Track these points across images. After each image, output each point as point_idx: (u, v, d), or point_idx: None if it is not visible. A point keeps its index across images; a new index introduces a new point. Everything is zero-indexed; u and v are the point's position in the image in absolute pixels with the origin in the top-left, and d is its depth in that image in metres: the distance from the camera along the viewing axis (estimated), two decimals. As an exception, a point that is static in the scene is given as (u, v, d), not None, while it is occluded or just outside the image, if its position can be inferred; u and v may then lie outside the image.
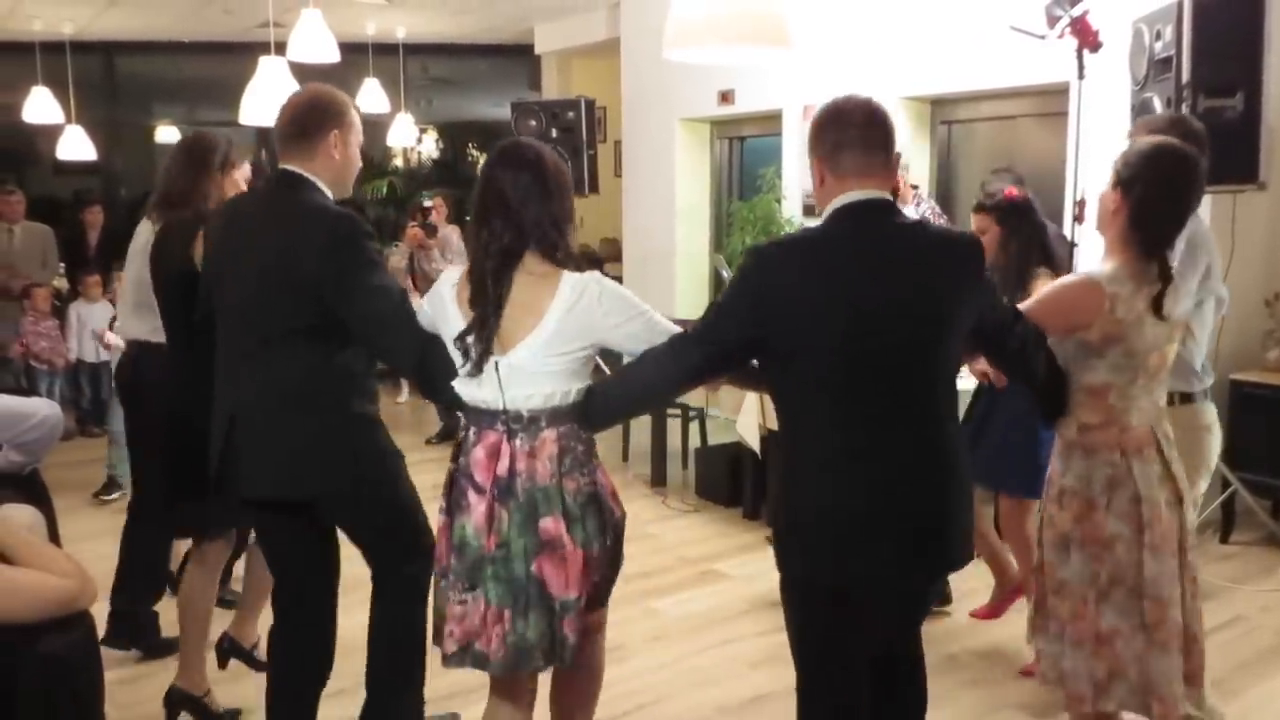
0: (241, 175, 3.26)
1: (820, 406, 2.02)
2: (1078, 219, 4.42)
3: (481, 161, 14.47)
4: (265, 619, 2.85)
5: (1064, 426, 2.34)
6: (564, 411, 2.15)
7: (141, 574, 3.67)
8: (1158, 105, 4.10)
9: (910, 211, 5.15)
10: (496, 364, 2.12)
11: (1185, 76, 3.97)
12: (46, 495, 3.25)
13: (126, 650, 3.59)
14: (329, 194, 2.50)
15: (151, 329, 3.28)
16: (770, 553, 2.19)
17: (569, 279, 2.13)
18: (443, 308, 2.20)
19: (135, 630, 3.61)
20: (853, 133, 2.04)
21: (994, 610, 3.87)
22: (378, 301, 2.33)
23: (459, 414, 2.30)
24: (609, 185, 7.87)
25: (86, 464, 6.37)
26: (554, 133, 7.10)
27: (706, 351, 2.08)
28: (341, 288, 2.33)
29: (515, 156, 2.17)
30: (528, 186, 2.13)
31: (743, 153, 7.88)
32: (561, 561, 2.10)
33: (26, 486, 3.14)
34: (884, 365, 1.99)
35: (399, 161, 12.24)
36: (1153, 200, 2.23)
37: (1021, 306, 2.29)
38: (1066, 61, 4.31)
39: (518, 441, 2.12)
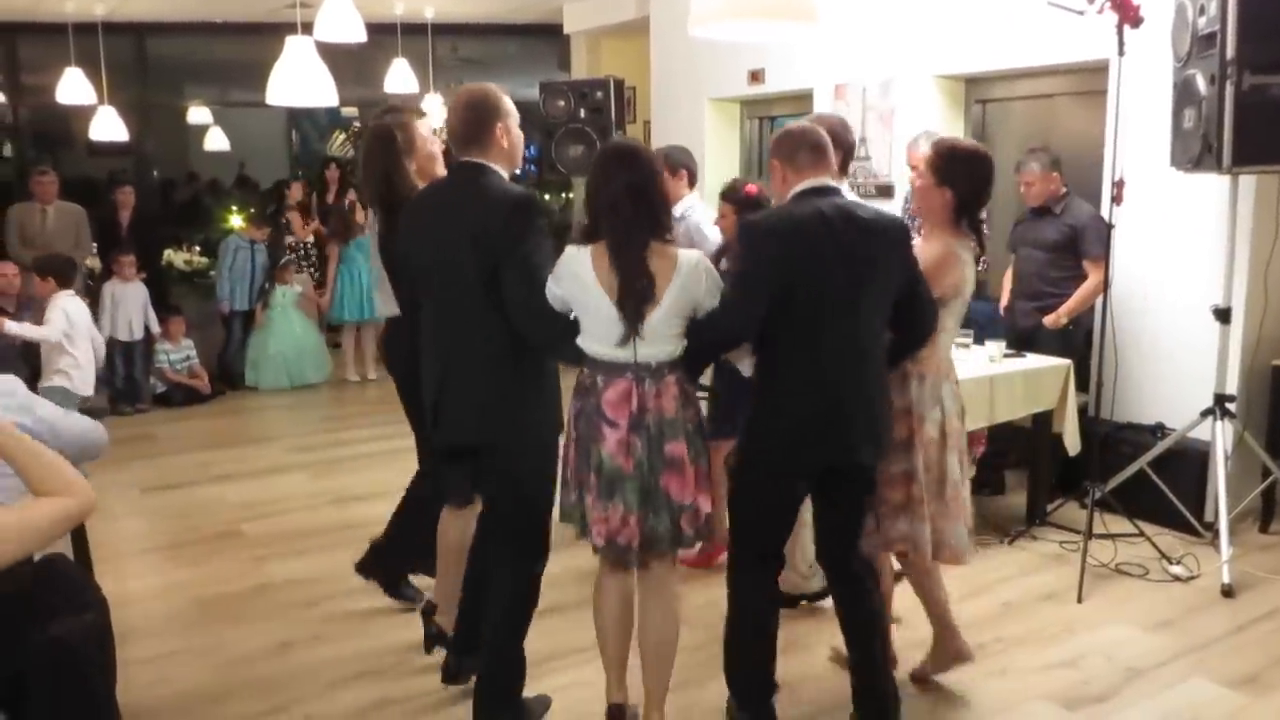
0: (434, 145, 3.51)
1: (801, 341, 2.70)
2: (1116, 200, 4.33)
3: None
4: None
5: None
6: (678, 361, 2.72)
7: (407, 533, 3.73)
8: (1201, 83, 3.99)
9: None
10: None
11: (1230, 53, 3.86)
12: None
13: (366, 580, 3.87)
14: (505, 175, 2.90)
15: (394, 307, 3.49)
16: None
17: (683, 260, 2.66)
18: (583, 286, 2.65)
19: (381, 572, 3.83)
20: (805, 145, 2.81)
21: (707, 558, 4.04)
22: (528, 265, 2.73)
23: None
24: (638, 166, 7.79)
25: (118, 442, 6.42)
26: (583, 113, 7.05)
27: (759, 307, 2.66)
28: (508, 248, 2.72)
29: (633, 157, 2.69)
30: (647, 183, 2.66)
31: (773, 133, 7.78)
32: (683, 474, 2.69)
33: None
34: (849, 308, 2.70)
35: (428, 142, 12.22)
36: (971, 191, 2.99)
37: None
38: (1106, 38, 4.20)
39: (646, 386, 2.67)
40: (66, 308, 5.48)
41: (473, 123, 2.88)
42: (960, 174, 2.99)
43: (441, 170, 3.47)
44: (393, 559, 3.85)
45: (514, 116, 2.94)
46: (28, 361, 5.96)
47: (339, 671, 3.40)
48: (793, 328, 2.69)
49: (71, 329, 5.45)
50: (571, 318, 2.75)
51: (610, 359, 2.69)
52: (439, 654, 3.33)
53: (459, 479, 3.33)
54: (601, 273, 2.63)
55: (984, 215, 3.11)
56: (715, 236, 4.34)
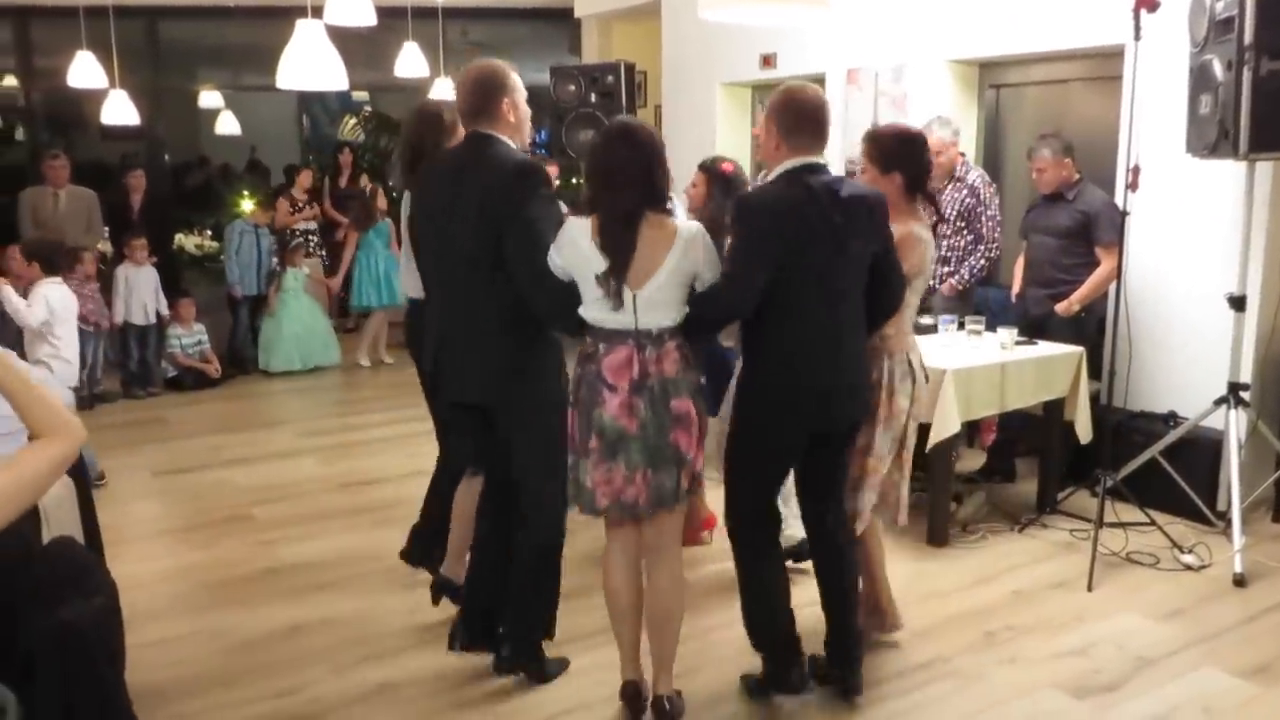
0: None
1: (793, 313, 2.82)
2: (1131, 187, 4.29)
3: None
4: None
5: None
6: (678, 328, 2.80)
7: (439, 511, 3.74)
8: (1218, 68, 3.95)
9: (972, 177, 5.03)
10: (634, 297, 2.73)
11: (1248, 38, 3.82)
12: (79, 462, 3.27)
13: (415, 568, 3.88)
14: (513, 145, 2.99)
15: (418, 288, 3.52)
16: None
17: (682, 231, 2.76)
18: (581, 253, 2.75)
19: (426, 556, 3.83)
20: (811, 122, 2.85)
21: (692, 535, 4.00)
22: (530, 231, 2.82)
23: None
24: (649, 151, 7.76)
25: (129, 425, 6.48)
26: (593, 98, 7.03)
27: (759, 280, 2.75)
28: (511, 213, 2.82)
29: (632, 135, 2.77)
30: (646, 160, 2.73)
31: (774, 92, 7.72)
32: (689, 429, 2.80)
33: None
34: (837, 282, 2.85)
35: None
36: (916, 169, 3.15)
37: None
38: (1122, 22, 4.16)
39: (647, 352, 2.75)
40: (49, 295, 5.16)
41: (480, 96, 2.97)
42: (901, 156, 3.15)
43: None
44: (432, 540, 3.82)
45: (520, 92, 3.02)
46: (10, 348, 5.92)
47: (348, 655, 3.41)
48: (785, 300, 2.79)
49: (53, 317, 5.14)
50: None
51: (611, 326, 2.77)
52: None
53: (467, 448, 3.41)
54: (595, 238, 2.73)
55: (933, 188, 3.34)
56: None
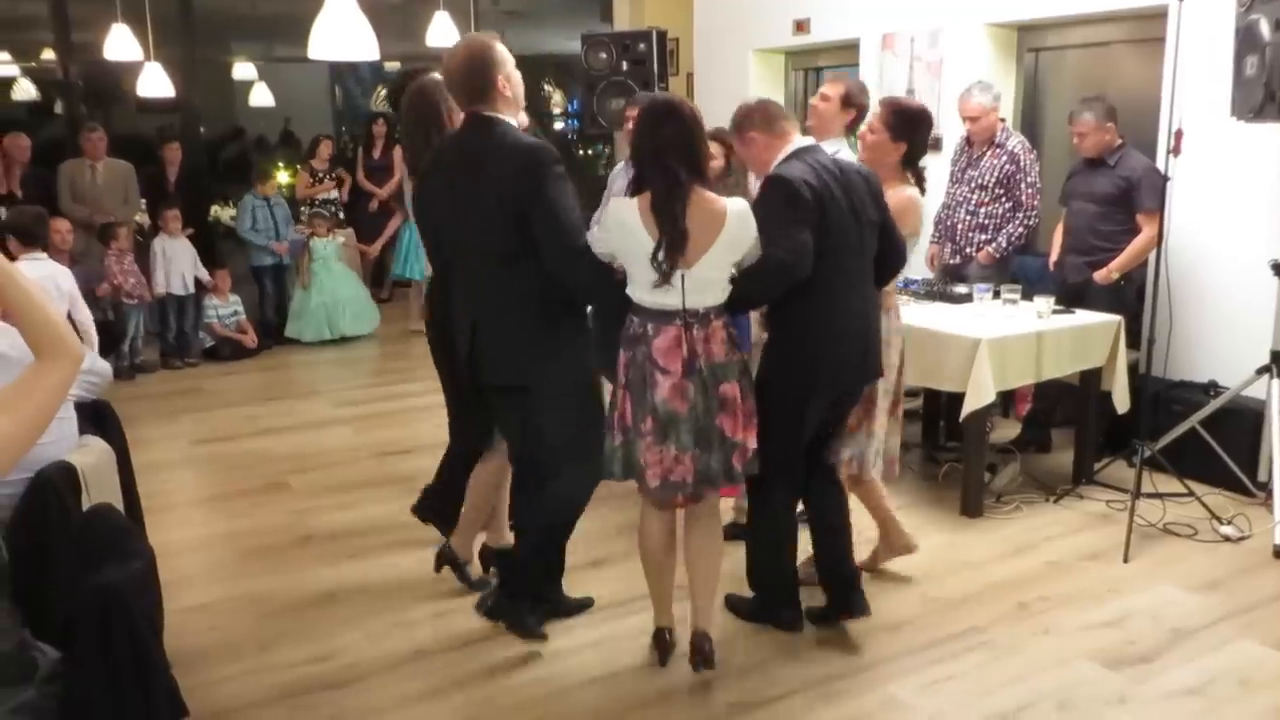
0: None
1: (822, 280, 2.91)
2: (1174, 151, 4.20)
3: (555, 96, 14.24)
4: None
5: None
6: (723, 306, 2.85)
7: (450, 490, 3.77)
8: (1265, 28, 3.84)
9: (1012, 143, 4.95)
10: (682, 276, 2.75)
11: (1297, -4, 3.70)
12: (118, 426, 3.33)
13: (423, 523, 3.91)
14: (514, 121, 2.99)
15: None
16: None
17: (731, 207, 2.79)
18: (630, 233, 2.76)
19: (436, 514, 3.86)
20: (779, 113, 3.14)
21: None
22: (556, 211, 2.85)
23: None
24: (681, 119, 7.70)
25: (168, 395, 6.57)
26: (625, 65, 6.97)
27: (810, 238, 2.85)
28: (531, 199, 2.84)
29: (677, 112, 2.79)
30: (689, 134, 2.77)
31: (818, 84, 7.64)
32: (735, 413, 2.85)
33: (97, 419, 3.21)
34: (857, 249, 3.04)
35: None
36: (920, 143, 3.42)
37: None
38: (1166, -18, 4.06)
39: (694, 331, 2.79)
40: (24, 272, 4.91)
41: (475, 78, 2.95)
42: (912, 129, 3.39)
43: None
44: (445, 502, 3.83)
45: (510, 62, 3.01)
46: None
47: (381, 621, 3.45)
48: (815, 271, 2.89)
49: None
50: (615, 265, 2.88)
51: (659, 306, 2.80)
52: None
53: (478, 426, 3.47)
54: (648, 222, 2.74)
55: (922, 164, 3.50)
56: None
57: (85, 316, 5.09)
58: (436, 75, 3.38)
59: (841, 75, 4.29)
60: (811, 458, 3.22)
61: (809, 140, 3.12)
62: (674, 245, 2.72)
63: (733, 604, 3.40)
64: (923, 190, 3.51)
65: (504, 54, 3.00)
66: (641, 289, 2.81)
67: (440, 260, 3.29)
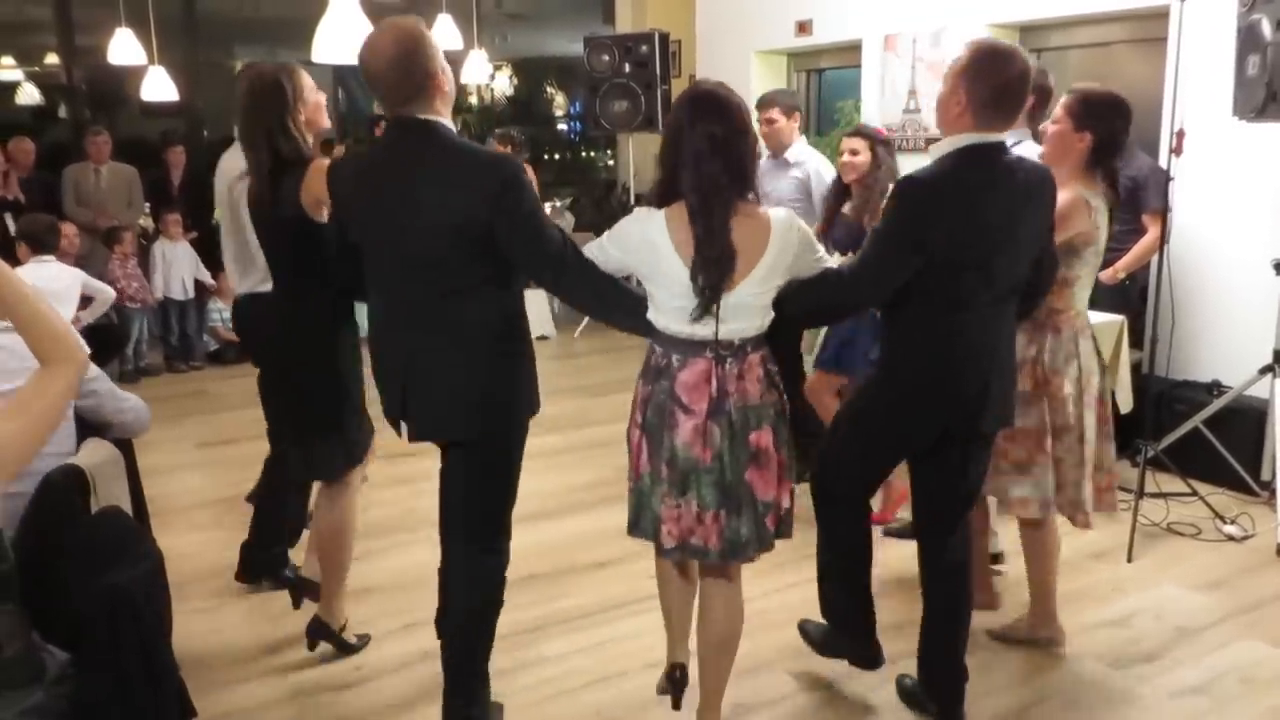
0: (320, 94, 3.04)
1: (960, 303, 2.51)
2: (1175, 151, 4.20)
3: (557, 99, 14.21)
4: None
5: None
6: (763, 337, 2.41)
7: (267, 520, 3.69)
8: (1267, 28, 3.84)
9: (1025, 149, 4.94)
10: (719, 302, 2.30)
11: (1298, -4, 3.71)
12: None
13: (255, 584, 3.71)
14: (452, 126, 2.49)
15: (258, 280, 3.27)
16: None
17: (776, 220, 2.33)
18: (659, 254, 2.30)
19: (264, 567, 3.69)
20: (1016, 95, 2.47)
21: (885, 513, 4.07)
22: (548, 243, 2.39)
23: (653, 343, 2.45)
24: (683, 121, 7.71)
25: (172, 399, 6.58)
26: (627, 67, 7.00)
27: (904, 270, 2.45)
28: (515, 231, 2.36)
29: (720, 105, 2.31)
30: (734, 133, 2.29)
31: (821, 85, 7.66)
32: (767, 468, 2.40)
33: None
34: (1005, 272, 2.53)
35: (473, 99, 12.21)
36: (1109, 134, 2.91)
37: None
38: (1167, -18, 4.06)
39: (727, 366, 2.35)
40: (36, 275, 4.76)
41: (408, 75, 2.39)
42: (1100, 117, 2.90)
43: (326, 122, 3.08)
44: (268, 551, 3.69)
45: (439, 49, 2.46)
46: None
47: (390, 623, 3.46)
48: (944, 290, 2.49)
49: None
50: (635, 283, 2.47)
51: (687, 336, 2.36)
52: None
53: (320, 456, 3.10)
54: (680, 239, 2.28)
55: (1120, 165, 3.02)
56: (831, 175, 4.38)
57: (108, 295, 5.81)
58: (288, 63, 2.96)
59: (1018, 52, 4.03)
60: (926, 539, 2.81)
61: (996, 137, 2.50)
62: (720, 266, 2.25)
63: (805, 632, 3.07)
64: (1116, 196, 3.00)
65: (435, 41, 2.45)
66: (668, 315, 2.36)
67: (342, 265, 2.76)
